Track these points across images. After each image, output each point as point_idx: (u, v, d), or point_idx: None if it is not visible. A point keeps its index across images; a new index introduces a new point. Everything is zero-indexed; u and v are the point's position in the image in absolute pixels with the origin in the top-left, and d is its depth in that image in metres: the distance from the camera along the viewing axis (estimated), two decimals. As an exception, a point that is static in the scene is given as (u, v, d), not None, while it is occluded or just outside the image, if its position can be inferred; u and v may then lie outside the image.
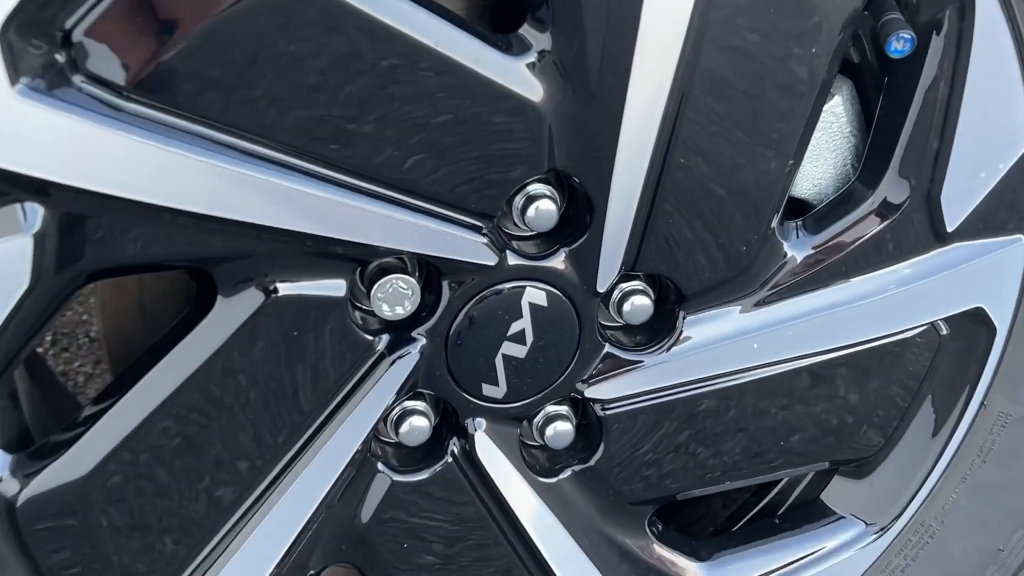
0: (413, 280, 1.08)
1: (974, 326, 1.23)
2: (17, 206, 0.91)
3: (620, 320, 1.17)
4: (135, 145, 0.91)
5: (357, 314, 1.08)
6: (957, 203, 1.15)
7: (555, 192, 1.07)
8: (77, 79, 0.89)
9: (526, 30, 1.01)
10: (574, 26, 0.98)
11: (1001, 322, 1.22)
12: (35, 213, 0.92)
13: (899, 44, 1.04)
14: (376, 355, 1.09)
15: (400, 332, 1.10)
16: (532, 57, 1.00)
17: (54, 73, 0.89)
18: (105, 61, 0.90)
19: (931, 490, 1.32)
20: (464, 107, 0.99)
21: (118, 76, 0.90)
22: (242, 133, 0.95)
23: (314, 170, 0.98)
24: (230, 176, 0.95)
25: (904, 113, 1.11)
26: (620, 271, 1.11)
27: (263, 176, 0.96)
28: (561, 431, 1.19)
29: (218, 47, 0.90)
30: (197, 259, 1.00)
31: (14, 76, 0.87)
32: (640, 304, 1.15)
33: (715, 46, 1.00)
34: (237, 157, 0.95)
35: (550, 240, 1.10)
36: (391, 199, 1.02)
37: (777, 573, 1.33)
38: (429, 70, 0.96)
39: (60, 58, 0.89)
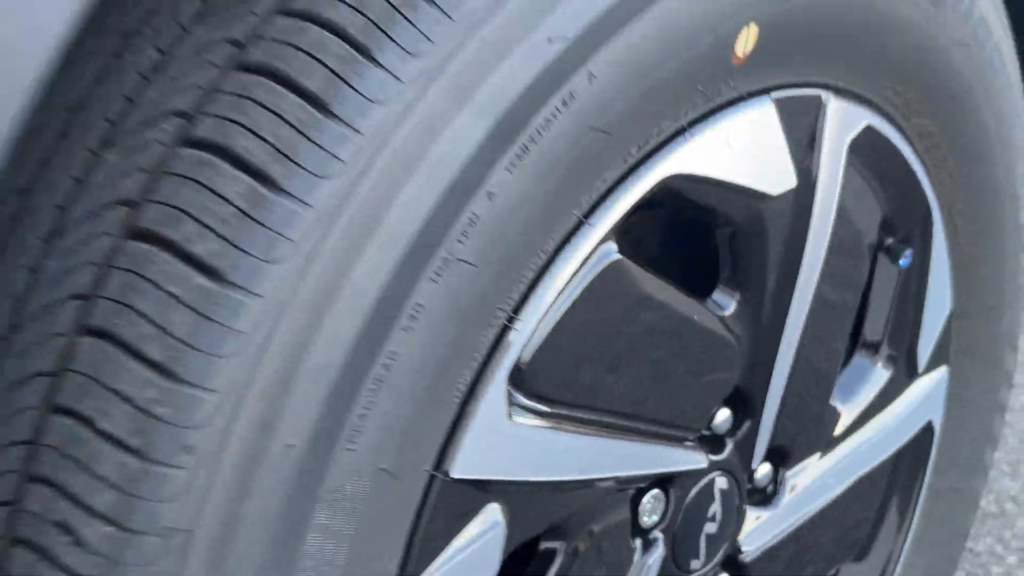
0: (659, 491, 1.39)
1: (924, 433, 1.77)
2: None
3: (751, 485, 1.55)
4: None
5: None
6: (925, 351, 1.68)
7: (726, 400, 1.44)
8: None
9: (720, 293, 1.38)
10: (754, 289, 1.38)
11: (938, 426, 1.77)
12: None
13: (905, 260, 1.55)
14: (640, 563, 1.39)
15: (647, 535, 1.40)
16: (728, 311, 1.38)
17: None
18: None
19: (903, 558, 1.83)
20: (694, 357, 1.34)
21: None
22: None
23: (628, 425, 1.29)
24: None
25: (892, 294, 1.63)
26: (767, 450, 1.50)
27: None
28: (722, 583, 1.54)
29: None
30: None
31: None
32: (766, 471, 1.54)
33: (825, 287, 1.45)
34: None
35: (724, 437, 1.46)
36: (656, 434, 1.34)
37: None
38: (684, 333, 1.31)
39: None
